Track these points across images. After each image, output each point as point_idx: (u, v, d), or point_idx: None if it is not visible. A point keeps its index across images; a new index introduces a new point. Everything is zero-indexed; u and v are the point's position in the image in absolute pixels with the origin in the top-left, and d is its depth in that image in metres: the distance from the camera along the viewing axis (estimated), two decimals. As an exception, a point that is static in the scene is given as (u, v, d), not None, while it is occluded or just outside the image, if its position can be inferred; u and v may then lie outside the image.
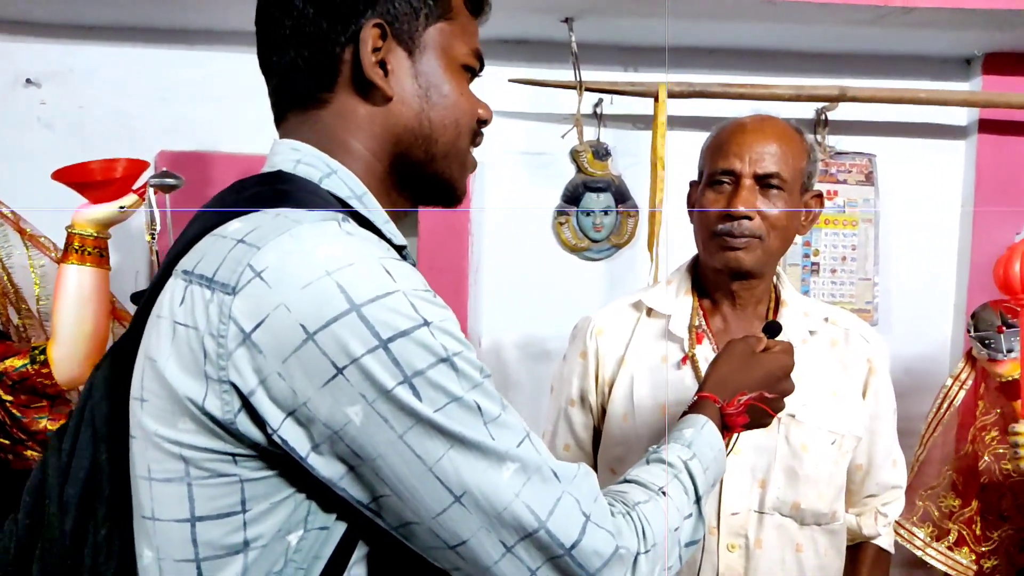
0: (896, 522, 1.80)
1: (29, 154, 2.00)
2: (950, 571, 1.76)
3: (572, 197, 2.20)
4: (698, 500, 0.79)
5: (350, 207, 0.71)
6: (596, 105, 2.16)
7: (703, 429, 0.86)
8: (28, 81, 2.05)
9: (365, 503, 0.62)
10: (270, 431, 0.60)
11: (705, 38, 2.09)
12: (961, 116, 2.24)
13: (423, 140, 0.75)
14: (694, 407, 0.92)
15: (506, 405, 0.66)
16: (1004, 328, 1.71)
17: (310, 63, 0.73)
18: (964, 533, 1.77)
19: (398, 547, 0.65)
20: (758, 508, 1.16)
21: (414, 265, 0.77)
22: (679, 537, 0.74)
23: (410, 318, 0.60)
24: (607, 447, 1.26)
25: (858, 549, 1.30)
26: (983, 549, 1.82)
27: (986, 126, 2.20)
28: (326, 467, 0.61)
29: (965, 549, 1.76)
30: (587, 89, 2.04)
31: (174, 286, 0.64)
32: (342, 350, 0.59)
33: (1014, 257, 1.58)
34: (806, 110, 2.18)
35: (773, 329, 1.04)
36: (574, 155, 2.18)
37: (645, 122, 2.12)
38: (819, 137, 2.20)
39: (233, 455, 0.61)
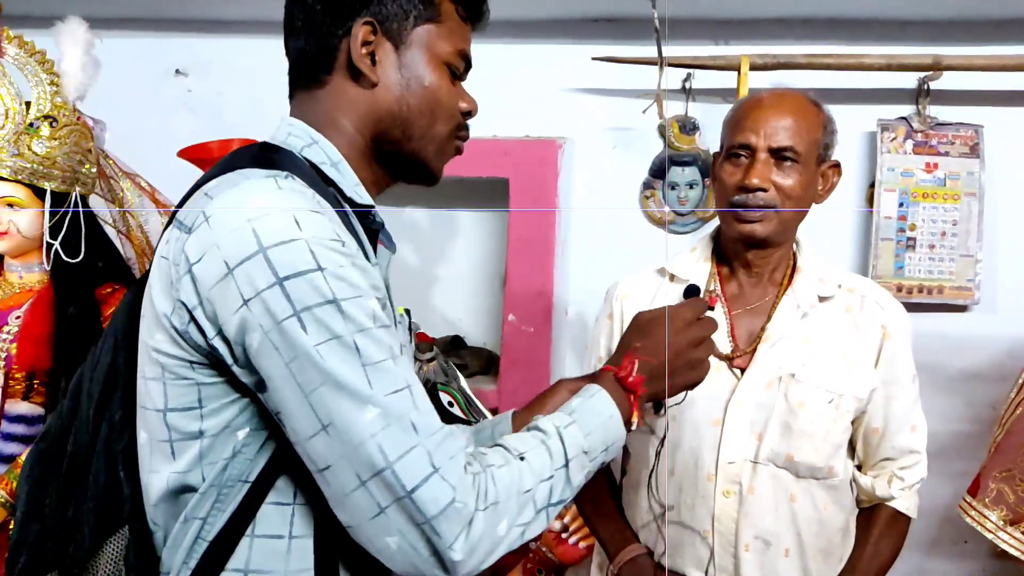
0: (966, 502, 1.76)
1: (176, 136, 2.32)
2: (1023, 556, 1.69)
3: (658, 171, 2.25)
4: (566, 464, 0.83)
5: (323, 172, 0.87)
6: (685, 80, 2.20)
7: (592, 398, 0.89)
8: (177, 71, 2.38)
9: (275, 415, 0.77)
10: (208, 340, 0.76)
11: (792, 9, 2.08)
12: (1085, 82, 2.08)
13: (401, 122, 0.89)
14: (591, 377, 0.96)
15: (395, 355, 0.76)
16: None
17: (315, 50, 0.90)
18: (1042, 519, 1.69)
19: None
20: (753, 458, 1.23)
21: (382, 225, 0.94)
22: (534, 497, 0.80)
23: (307, 262, 0.73)
24: (628, 401, 1.36)
25: (873, 510, 1.32)
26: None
27: (1114, 92, 2.03)
28: (246, 378, 0.77)
29: (1042, 535, 1.69)
30: (670, 64, 2.08)
31: (169, 230, 0.82)
32: (249, 284, 0.73)
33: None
34: (908, 80, 2.11)
35: (691, 293, 1.05)
36: (661, 130, 2.23)
37: (734, 96, 2.14)
38: (920, 107, 2.12)
39: (191, 362, 0.78)
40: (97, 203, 1.80)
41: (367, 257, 0.84)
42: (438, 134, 0.92)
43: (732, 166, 1.25)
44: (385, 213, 0.98)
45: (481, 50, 2.39)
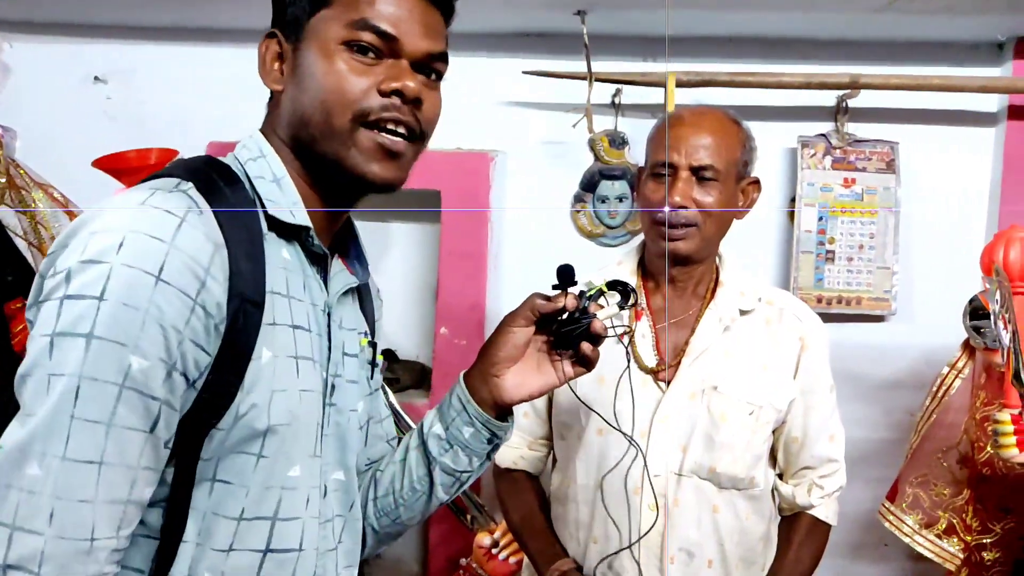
0: (884, 507, 1.82)
1: (95, 144, 2.24)
2: (937, 559, 1.76)
3: (589, 184, 2.27)
4: None
5: (255, 186, 0.84)
6: (614, 95, 2.23)
7: None
8: (96, 79, 2.30)
9: None
10: None
11: (717, 27, 2.13)
12: (991, 103, 2.18)
13: (302, 124, 0.83)
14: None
15: (116, 426, 0.69)
16: (1002, 317, 1.69)
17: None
18: (954, 522, 1.76)
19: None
20: (678, 471, 1.25)
21: (321, 250, 0.86)
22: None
23: (95, 288, 0.69)
24: (557, 414, 1.37)
25: (794, 518, 1.36)
26: (981, 540, 1.80)
27: (1016, 112, 2.14)
28: None
29: (954, 538, 1.75)
30: (598, 79, 2.11)
31: None
32: (46, 289, 0.72)
33: (998, 243, 1.57)
34: (827, 98, 2.18)
35: (565, 276, 0.98)
36: (591, 144, 2.26)
37: (662, 111, 2.18)
38: (838, 124, 2.19)
39: None
40: (7, 215, 1.72)
41: (263, 281, 0.79)
42: (338, 127, 0.82)
43: (655, 183, 1.27)
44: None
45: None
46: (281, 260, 0.83)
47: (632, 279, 1.34)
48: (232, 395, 0.76)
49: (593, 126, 2.16)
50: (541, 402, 1.40)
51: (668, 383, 1.27)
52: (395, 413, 1.70)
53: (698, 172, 1.24)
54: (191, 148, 1.70)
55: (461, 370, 2.37)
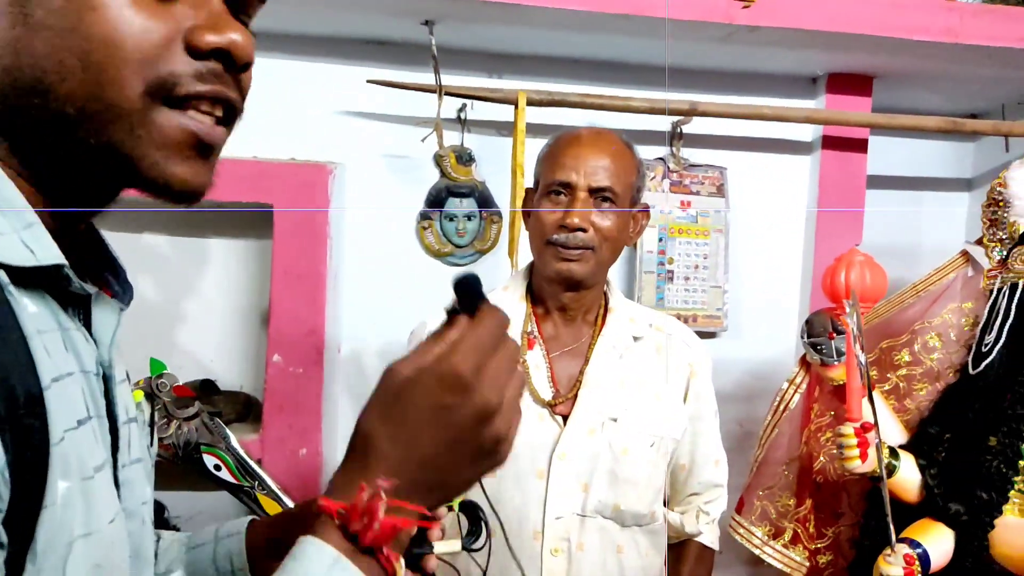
0: (735, 520, 1.88)
1: None
2: (785, 568, 1.84)
3: (436, 201, 2.18)
4: None
5: None
6: (460, 110, 2.16)
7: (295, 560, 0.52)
8: None
9: None
10: None
11: (566, 48, 2.12)
12: (806, 132, 2.35)
13: (42, 94, 0.50)
14: (316, 520, 0.54)
15: None
16: (835, 334, 1.80)
17: None
18: (799, 531, 1.85)
19: None
20: (580, 511, 1.19)
21: (81, 290, 0.56)
22: None
23: None
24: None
25: (681, 547, 1.35)
26: (817, 546, 1.91)
27: (829, 142, 2.32)
28: None
29: (799, 547, 1.85)
30: (447, 94, 2.02)
31: None
32: None
33: (839, 267, 1.67)
34: (663, 123, 2.24)
35: (466, 288, 0.60)
36: (437, 159, 2.16)
37: (509, 129, 2.13)
38: (674, 149, 2.27)
39: None
40: None
41: (34, 374, 0.49)
42: (122, 103, 0.51)
43: (551, 203, 1.20)
44: (114, 240, 0.64)
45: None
46: (32, 323, 0.51)
47: (522, 305, 1.26)
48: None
49: (443, 141, 2.07)
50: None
51: (565, 417, 1.21)
52: (239, 460, 1.50)
53: (597, 193, 1.19)
54: None
55: (296, 401, 2.18)
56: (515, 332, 1.24)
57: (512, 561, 1.17)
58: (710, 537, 1.36)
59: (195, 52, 0.52)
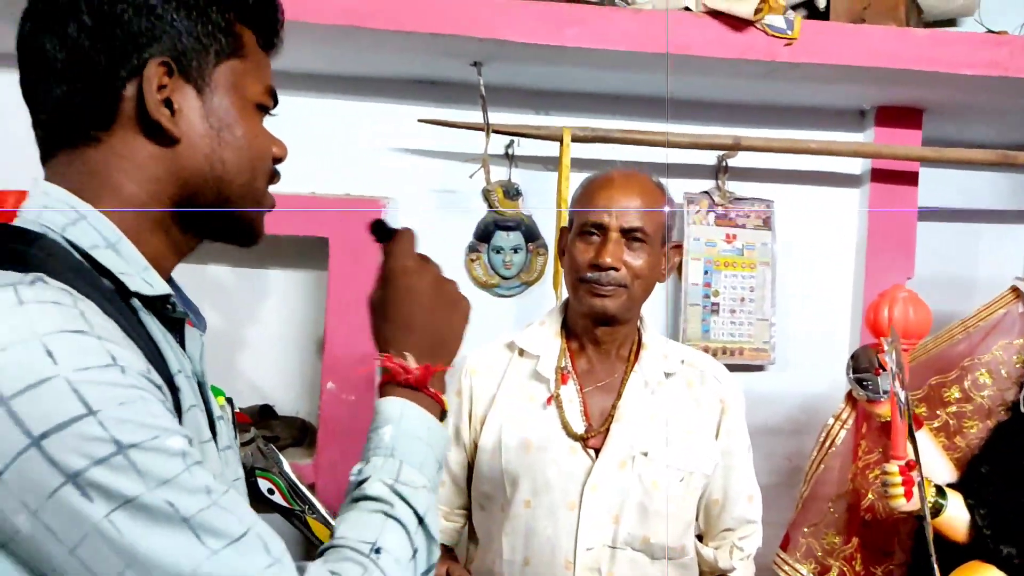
0: (780, 557, 1.86)
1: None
2: (830, 606, 1.82)
3: (483, 235, 2.24)
4: (421, 522, 0.72)
5: (92, 258, 0.67)
6: (508, 146, 2.22)
7: (402, 420, 0.76)
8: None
9: None
10: None
11: (609, 85, 2.17)
12: (855, 165, 2.34)
13: (215, 182, 0.73)
14: (381, 391, 0.81)
15: (215, 493, 0.60)
16: (881, 370, 1.79)
17: (84, 99, 0.68)
18: (845, 569, 1.83)
19: None
20: (611, 543, 1.21)
21: (183, 315, 0.76)
22: None
23: (71, 408, 0.55)
24: (477, 484, 1.30)
25: (714, 582, 1.36)
26: (866, 584, 1.88)
27: (878, 175, 2.31)
28: (11, 573, 0.57)
29: (845, 584, 1.82)
30: (495, 131, 2.09)
31: None
32: None
33: (883, 302, 1.66)
34: (708, 157, 2.26)
35: (380, 228, 0.91)
36: (485, 194, 2.23)
37: (555, 164, 2.18)
38: (719, 183, 2.28)
39: None
40: None
41: (166, 364, 0.68)
42: (258, 190, 0.77)
43: (584, 244, 1.25)
44: (182, 271, 0.79)
45: (302, 104, 2.28)
46: (157, 332, 0.72)
47: (557, 341, 1.31)
48: None
49: (490, 177, 2.14)
50: (460, 471, 1.33)
51: (597, 451, 1.24)
52: (291, 485, 1.57)
53: (629, 234, 1.23)
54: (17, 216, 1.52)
55: (349, 427, 2.26)
56: (549, 367, 1.28)
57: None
58: (745, 573, 1.36)
59: (275, 157, 0.80)
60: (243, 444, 1.60)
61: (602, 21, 1.88)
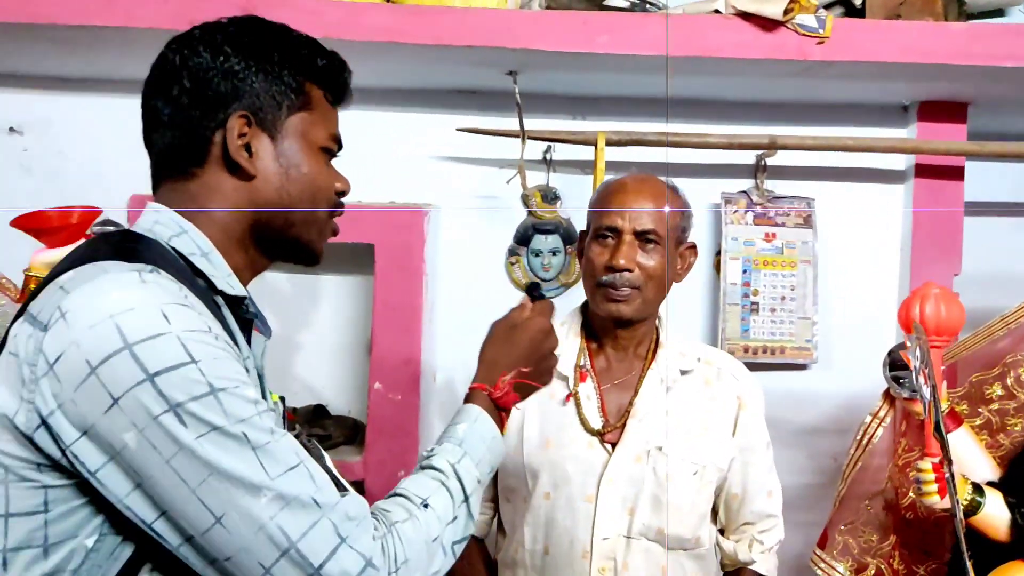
0: (816, 555, 1.87)
1: (10, 197, 2.14)
2: (867, 603, 1.81)
3: (523, 238, 2.30)
4: (466, 500, 0.89)
5: (192, 263, 0.86)
6: (546, 152, 2.27)
7: (476, 423, 0.95)
8: (11, 129, 2.21)
9: (147, 522, 0.74)
10: (63, 447, 0.73)
11: (643, 89, 2.20)
12: (899, 161, 2.32)
13: (282, 210, 0.90)
14: (468, 398, 1.00)
15: (278, 435, 0.76)
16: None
17: (184, 143, 0.88)
18: (883, 567, 1.82)
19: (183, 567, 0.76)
20: (626, 533, 1.26)
21: (255, 316, 0.95)
22: (442, 542, 0.84)
23: (179, 356, 0.72)
24: (502, 477, 1.37)
25: (735, 574, 1.38)
26: (907, 584, 1.86)
27: (922, 171, 2.28)
28: (113, 484, 0.73)
29: (882, 583, 1.81)
30: (530, 137, 2.15)
31: (19, 324, 0.77)
32: (117, 382, 0.71)
33: (914, 299, 1.66)
34: (748, 156, 2.27)
35: (533, 290, 1.13)
36: (524, 199, 2.29)
37: (591, 167, 2.23)
38: (758, 181, 2.29)
39: (37, 464, 0.74)
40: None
41: (240, 348, 0.86)
42: (319, 218, 0.93)
43: (600, 247, 1.30)
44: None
45: (346, 117, 2.38)
46: (233, 326, 0.89)
47: (576, 341, 1.36)
48: None
49: (527, 182, 2.19)
50: (486, 466, 1.39)
51: (613, 445, 1.29)
52: (329, 474, 1.65)
53: (642, 236, 1.27)
54: (111, 200, 1.64)
55: (395, 425, 2.34)
56: (568, 366, 1.33)
57: (565, 575, 1.26)
58: (765, 566, 1.38)
59: (337, 192, 0.96)
60: (290, 440, 1.70)
61: (632, 27, 1.92)
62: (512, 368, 1.00)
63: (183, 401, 0.72)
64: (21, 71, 2.18)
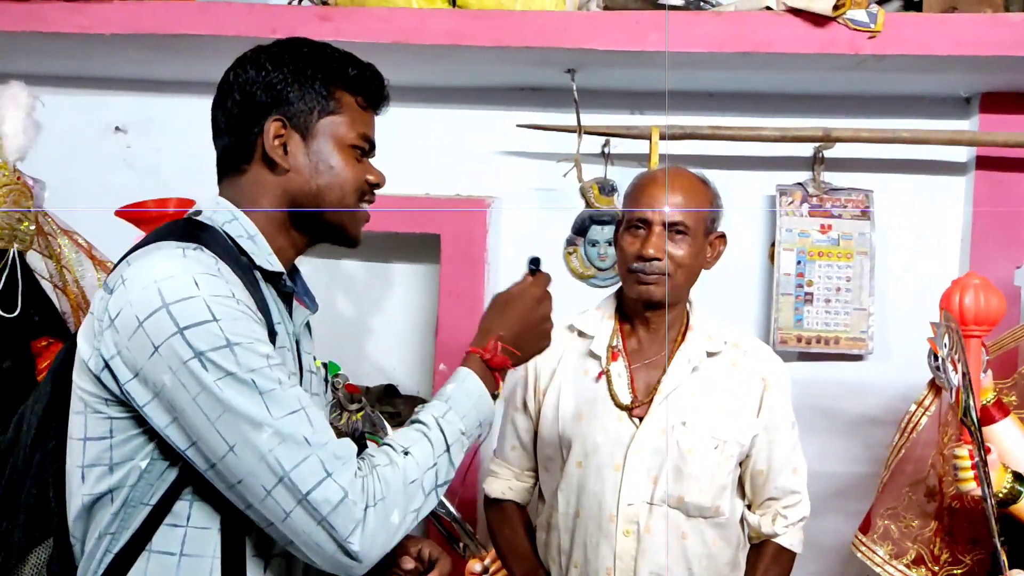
0: (857, 539, 1.91)
1: (115, 191, 2.38)
2: (906, 587, 1.84)
3: (580, 229, 2.40)
4: (447, 449, 1.00)
5: (239, 244, 1.03)
6: (604, 146, 2.36)
7: (464, 382, 1.05)
8: (116, 128, 2.45)
9: (182, 449, 0.91)
10: (120, 385, 0.91)
11: (697, 84, 2.27)
12: (960, 153, 2.31)
13: (312, 198, 1.06)
14: (463, 361, 1.11)
15: (286, 386, 0.91)
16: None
17: (236, 145, 1.05)
18: (923, 552, 1.85)
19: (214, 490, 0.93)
20: (649, 500, 1.36)
21: (292, 290, 1.10)
22: (422, 485, 0.96)
23: (204, 314, 0.89)
24: (541, 448, 1.48)
25: (761, 546, 1.46)
26: (956, 572, 1.88)
27: (984, 163, 2.26)
28: (156, 417, 0.91)
29: (923, 568, 1.84)
30: (587, 132, 2.24)
31: (99, 292, 0.97)
32: (157, 333, 0.89)
33: (954, 290, 1.68)
34: (805, 148, 2.31)
35: (535, 263, 1.21)
36: (582, 191, 2.39)
37: (647, 162, 2.31)
38: (815, 174, 2.32)
39: (105, 399, 0.93)
40: (34, 258, 1.85)
41: (270, 315, 1.01)
42: (347, 204, 1.07)
43: (631, 237, 1.40)
44: (321, 266, 1.08)
45: (415, 115, 2.53)
46: (269, 297, 1.05)
47: (610, 323, 1.46)
48: None
49: (582, 175, 2.29)
50: (528, 436, 1.51)
51: (641, 419, 1.39)
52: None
53: (671, 227, 1.37)
54: (203, 192, 1.82)
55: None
56: (601, 346, 1.44)
57: (594, 537, 1.37)
58: (790, 540, 1.45)
59: (368, 183, 1.09)
60: (355, 412, 1.85)
61: (684, 25, 1.99)
62: (507, 333, 1.10)
63: (205, 350, 0.88)
64: (125, 75, 2.42)
